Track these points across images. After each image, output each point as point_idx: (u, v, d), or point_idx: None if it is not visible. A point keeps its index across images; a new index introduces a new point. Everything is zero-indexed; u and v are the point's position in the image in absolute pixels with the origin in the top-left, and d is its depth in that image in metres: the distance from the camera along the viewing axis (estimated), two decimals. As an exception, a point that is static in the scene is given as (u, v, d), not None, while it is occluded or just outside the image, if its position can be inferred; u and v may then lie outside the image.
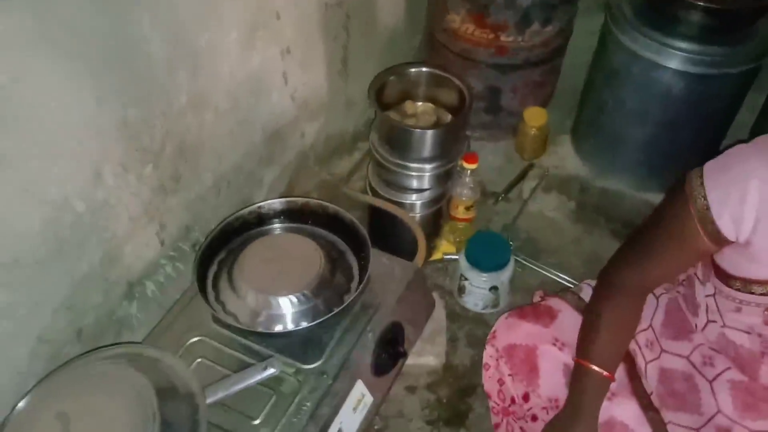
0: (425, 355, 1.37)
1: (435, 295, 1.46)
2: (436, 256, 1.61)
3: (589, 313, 1.08)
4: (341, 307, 1.07)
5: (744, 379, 1.03)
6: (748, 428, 1.03)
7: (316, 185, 1.70)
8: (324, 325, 1.09)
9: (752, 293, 0.95)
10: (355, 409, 1.11)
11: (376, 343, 1.14)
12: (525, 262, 1.58)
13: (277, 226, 1.25)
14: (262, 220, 1.24)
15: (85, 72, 1.00)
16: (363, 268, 1.16)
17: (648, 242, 1.02)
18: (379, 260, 1.24)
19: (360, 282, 1.14)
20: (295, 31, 1.47)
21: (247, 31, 1.33)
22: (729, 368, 1.05)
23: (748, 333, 0.99)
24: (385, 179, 1.48)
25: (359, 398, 1.12)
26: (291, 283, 1.11)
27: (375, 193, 1.50)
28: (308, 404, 1.05)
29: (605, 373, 1.02)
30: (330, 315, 1.06)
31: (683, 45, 1.42)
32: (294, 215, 1.25)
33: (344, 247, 1.21)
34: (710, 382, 1.06)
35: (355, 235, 1.19)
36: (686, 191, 0.93)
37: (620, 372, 1.11)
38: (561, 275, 1.53)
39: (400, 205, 1.47)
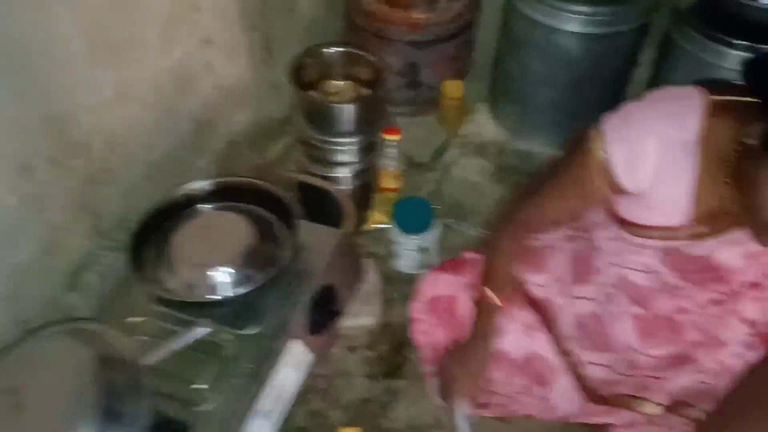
0: (362, 316, 1.45)
1: (370, 261, 1.55)
2: (368, 226, 1.69)
3: (487, 247, 1.15)
4: (273, 273, 1.14)
5: (642, 312, 1.10)
6: (651, 355, 1.11)
7: (249, 171, 1.76)
8: (260, 294, 1.15)
9: (650, 238, 1.00)
10: (294, 366, 1.19)
11: (310, 305, 1.22)
12: (452, 225, 1.68)
13: (208, 205, 1.30)
14: (192, 201, 1.29)
15: (3, 71, 1.05)
16: (293, 239, 1.23)
17: (548, 186, 1.06)
18: (310, 230, 1.31)
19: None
20: (215, 22, 1.53)
21: (167, 24, 1.38)
22: (630, 302, 1.11)
23: (645, 272, 1.05)
24: (312, 156, 1.56)
25: (297, 356, 1.20)
26: (224, 255, 1.17)
27: (305, 172, 1.57)
28: (248, 365, 1.12)
29: (499, 301, 1.10)
30: (263, 282, 1.13)
31: (577, 8, 1.52)
32: (224, 194, 1.30)
33: (275, 220, 1.28)
34: (616, 318, 1.14)
35: (285, 208, 1.26)
36: (586, 145, 0.97)
37: (536, 322, 1.20)
38: (485, 234, 1.62)
39: (330, 180, 1.54)
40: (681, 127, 0.89)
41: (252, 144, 1.76)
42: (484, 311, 1.13)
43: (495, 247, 1.13)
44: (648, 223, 0.99)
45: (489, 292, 1.10)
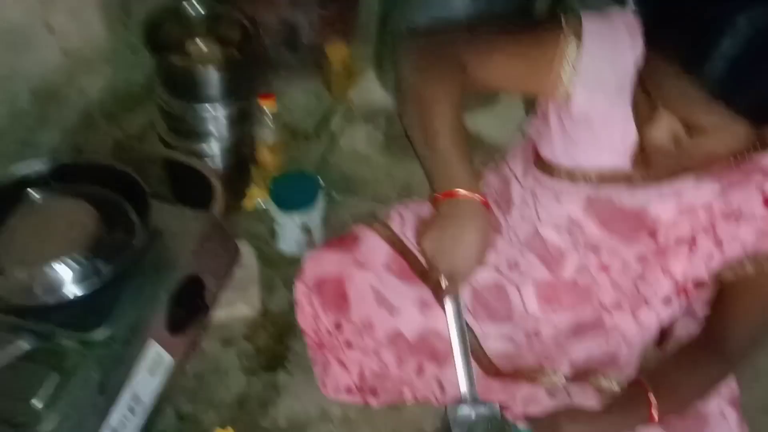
0: (238, 305, 1.32)
1: (246, 243, 1.41)
2: (249, 204, 1.55)
3: (412, 107, 0.94)
4: (121, 266, 0.98)
5: (547, 277, 1.07)
6: (554, 323, 1.08)
7: (108, 146, 1.57)
8: (108, 291, 1.01)
9: (574, 181, 0.95)
10: (151, 371, 1.05)
11: (170, 300, 1.08)
12: (339, 200, 1.56)
13: (45, 190, 1.11)
14: (27, 185, 1.10)
15: None
16: (146, 223, 1.08)
17: (504, 41, 0.93)
18: (171, 214, 1.17)
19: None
20: (57, -25, 1.33)
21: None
22: (533, 267, 1.07)
23: (559, 230, 1.01)
24: (177, 129, 1.39)
25: (155, 360, 1.05)
26: (63, 248, 1.01)
27: (169, 146, 1.40)
28: (95, 376, 0.97)
29: (477, 196, 0.87)
30: (110, 278, 0.98)
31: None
32: (65, 176, 1.13)
33: (125, 204, 1.12)
34: (517, 285, 1.10)
35: (135, 189, 1.10)
36: (560, 28, 0.88)
37: (431, 298, 1.12)
38: (377, 208, 1.53)
39: (198, 155, 1.38)
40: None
41: (110, 116, 1.57)
42: (458, 207, 0.88)
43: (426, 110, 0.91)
44: (577, 164, 0.94)
45: (461, 191, 0.87)
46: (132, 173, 1.09)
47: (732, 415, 1.01)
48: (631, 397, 0.97)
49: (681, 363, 1.00)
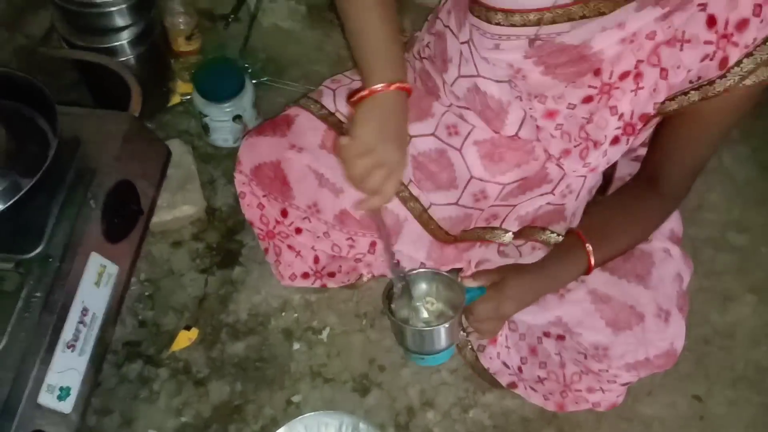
0: (180, 206, 1.26)
1: (178, 141, 1.34)
2: (175, 100, 1.45)
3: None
4: (35, 179, 0.91)
5: (488, 137, 1.04)
6: (500, 183, 1.06)
7: (10, 53, 1.44)
8: (33, 206, 0.95)
9: (513, 25, 0.89)
10: (97, 283, 1.01)
11: (102, 209, 1.02)
12: (270, 83, 1.48)
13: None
14: None
15: None
16: (55, 131, 0.99)
17: None
18: (86, 119, 1.09)
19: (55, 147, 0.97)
20: None
21: None
22: (474, 128, 1.04)
23: (498, 82, 0.97)
24: (76, 25, 1.26)
25: (99, 271, 1.01)
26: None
27: (73, 46, 1.28)
28: (38, 294, 0.94)
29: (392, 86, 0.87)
30: (28, 192, 0.91)
31: None
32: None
33: (31, 113, 1.03)
34: (459, 150, 1.07)
35: (39, 96, 1.00)
36: None
37: None
38: (309, 87, 1.45)
39: (107, 51, 1.27)
40: None
41: (8, 19, 1.42)
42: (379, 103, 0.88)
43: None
44: (515, 6, 0.88)
45: (378, 87, 0.87)
46: (33, 79, 0.99)
47: (676, 251, 1.01)
48: (567, 248, 0.96)
49: (618, 205, 0.99)
